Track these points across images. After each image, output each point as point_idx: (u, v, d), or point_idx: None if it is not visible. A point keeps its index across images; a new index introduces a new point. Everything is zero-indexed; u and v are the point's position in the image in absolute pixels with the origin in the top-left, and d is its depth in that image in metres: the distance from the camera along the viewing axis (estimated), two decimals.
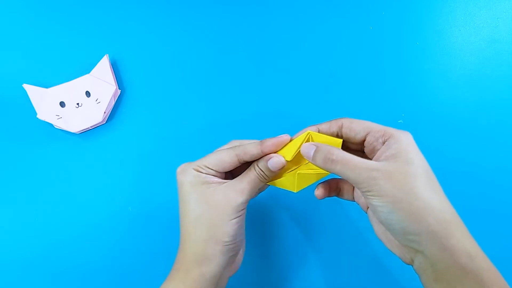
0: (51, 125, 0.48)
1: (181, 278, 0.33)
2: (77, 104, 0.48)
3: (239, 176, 0.35)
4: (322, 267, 0.46)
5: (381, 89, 0.49)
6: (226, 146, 0.36)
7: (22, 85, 0.47)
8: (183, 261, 0.34)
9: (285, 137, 0.35)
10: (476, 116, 0.48)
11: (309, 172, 0.36)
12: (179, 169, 0.35)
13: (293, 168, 0.36)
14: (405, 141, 0.31)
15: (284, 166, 0.35)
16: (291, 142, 0.35)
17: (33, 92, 0.47)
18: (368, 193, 0.30)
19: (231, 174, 0.37)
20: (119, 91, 0.49)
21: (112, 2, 0.51)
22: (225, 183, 0.34)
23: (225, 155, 0.34)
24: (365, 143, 0.34)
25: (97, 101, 0.48)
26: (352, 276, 0.46)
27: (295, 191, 0.37)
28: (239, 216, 0.34)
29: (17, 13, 0.51)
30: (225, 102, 0.49)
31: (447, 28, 0.51)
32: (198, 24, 0.51)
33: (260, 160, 0.35)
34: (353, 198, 0.38)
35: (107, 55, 0.48)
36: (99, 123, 0.48)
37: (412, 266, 0.32)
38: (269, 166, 0.34)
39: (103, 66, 0.48)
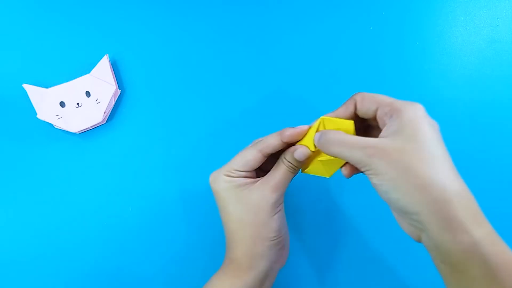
0: (51, 125, 0.48)
1: (234, 272, 0.35)
2: (77, 104, 0.48)
3: (270, 171, 0.36)
4: (322, 266, 0.46)
5: (381, 89, 0.49)
6: (249, 145, 0.37)
7: (22, 85, 0.47)
8: (234, 257, 0.36)
9: (304, 127, 0.35)
10: (476, 116, 0.48)
11: (329, 158, 0.35)
12: (211, 178, 0.37)
13: (316, 157, 0.36)
14: (409, 115, 0.29)
15: (309, 155, 0.35)
16: (309, 131, 0.35)
17: (33, 92, 0.47)
18: (366, 172, 0.30)
19: (261, 170, 0.38)
20: (119, 91, 0.49)
21: (112, 2, 0.51)
22: (258, 181, 0.35)
23: (249, 154, 0.35)
24: (377, 119, 0.32)
25: (97, 101, 0.48)
26: (352, 275, 0.46)
27: (327, 176, 0.37)
28: (279, 211, 0.35)
29: (17, 13, 0.50)
30: (225, 102, 0.49)
31: (447, 28, 0.51)
32: (198, 24, 0.51)
33: (286, 152, 0.36)
34: None
35: (107, 55, 0.48)
36: (99, 123, 0.48)
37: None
38: (296, 157, 0.35)
39: (103, 66, 0.48)
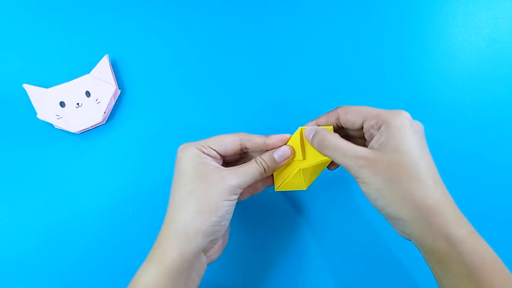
0: (51, 125, 0.48)
1: (160, 258, 0.33)
2: (77, 104, 0.48)
3: (238, 165, 0.36)
4: (325, 265, 0.46)
5: (381, 89, 0.49)
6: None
7: (22, 85, 0.47)
8: (164, 238, 0.34)
9: (286, 135, 0.37)
10: (476, 116, 0.48)
11: (312, 165, 0.37)
12: (180, 147, 0.36)
13: (297, 166, 0.38)
14: (396, 126, 0.32)
15: (290, 157, 0.36)
16: (291, 140, 0.37)
17: (33, 92, 0.47)
18: (356, 179, 0.33)
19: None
20: (119, 91, 0.49)
21: (112, 2, 0.51)
22: (223, 167, 0.35)
23: (229, 138, 0.36)
24: (364, 130, 0.35)
25: (97, 101, 0.48)
26: (355, 273, 0.46)
27: (304, 188, 0.38)
28: (231, 200, 0.34)
29: (17, 13, 0.51)
30: (226, 102, 0.49)
31: (447, 28, 0.51)
32: (198, 24, 0.51)
33: (264, 153, 0.36)
34: None
35: (107, 55, 0.48)
36: (99, 123, 0.48)
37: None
38: (276, 157, 0.36)
39: (103, 66, 0.48)
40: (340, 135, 0.36)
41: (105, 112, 0.48)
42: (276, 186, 0.40)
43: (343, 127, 0.37)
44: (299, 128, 0.37)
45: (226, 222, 0.35)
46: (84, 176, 0.48)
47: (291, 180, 0.38)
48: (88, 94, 0.48)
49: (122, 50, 0.50)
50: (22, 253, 0.46)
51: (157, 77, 0.50)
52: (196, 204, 0.33)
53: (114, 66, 0.50)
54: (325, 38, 0.50)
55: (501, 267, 0.29)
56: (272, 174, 0.40)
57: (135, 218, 0.47)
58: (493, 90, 0.49)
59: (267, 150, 0.37)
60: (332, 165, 0.39)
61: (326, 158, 0.36)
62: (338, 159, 0.33)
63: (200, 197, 0.33)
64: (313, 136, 0.36)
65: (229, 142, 0.36)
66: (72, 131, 0.47)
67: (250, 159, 0.37)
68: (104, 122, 0.49)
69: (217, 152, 0.36)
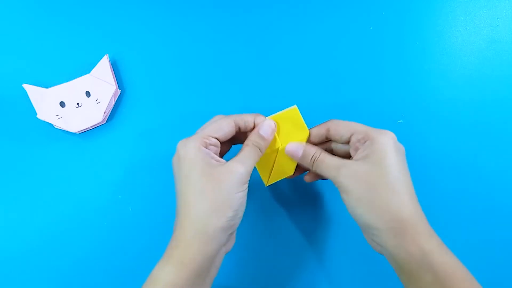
0: (51, 125, 0.48)
1: (180, 257, 0.32)
2: (77, 104, 0.48)
3: (236, 155, 0.36)
4: (324, 263, 0.46)
5: (381, 89, 0.49)
6: (217, 117, 0.38)
7: (22, 85, 0.47)
8: (182, 239, 0.33)
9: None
10: (476, 116, 0.48)
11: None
12: (180, 144, 0.35)
13: (274, 153, 0.40)
14: (381, 143, 0.34)
15: (274, 130, 0.38)
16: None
17: (33, 92, 0.47)
18: (339, 188, 0.35)
19: None
20: (119, 91, 0.49)
21: (112, 2, 0.51)
22: (225, 161, 0.35)
23: (224, 122, 0.37)
24: (350, 144, 0.37)
25: (97, 101, 0.48)
26: (355, 274, 0.46)
27: (291, 174, 0.41)
28: (242, 191, 0.34)
29: (17, 14, 0.51)
30: (226, 102, 0.49)
31: (447, 28, 0.51)
32: (198, 24, 0.51)
33: (251, 134, 0.37)
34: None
35: (107, 55, 0.48)
36: (99, 123, 0.48)
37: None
38: (262, 133, 0.37)
39: (103, 66, 0.48)
40: (326, 149, 0.39)
41: (105, 112, 0.48)
42: (265, 182, 0.41)
43: (330, 140, 0.39)
44: (294, 107, 0.39)
45: (241, 214, 0.35)
46: (84, 176, 0.48)
47: (277, 168, 0.40)
48: (88, 94, 0.48)
49: (122, 50, 0.50)
50: (22, 253, 0.46)
51: (157, 77, 0.50)
52: (209, 203, 0.33)
53: (114, 66, 0.50)
54: (325, 38, 0.50)
55: (469, 277, 0.31)
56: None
57: (135, 218, 0.47)
58: (493, 90, 0.49)
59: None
60: (310, 176, 0.41)
61: (300, 137, 0.39)
62: (324, 171, 0.36)
63: (212, 194, 0.33)
64: (303, 155, 0.38)
65: (225, 126, 0.36)
66: (72, 131, 0.47)
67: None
68: (104, 122, 0.49)
69: (217, 139, 0.36)
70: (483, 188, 0.47)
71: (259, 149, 0.37)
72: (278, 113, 0.39)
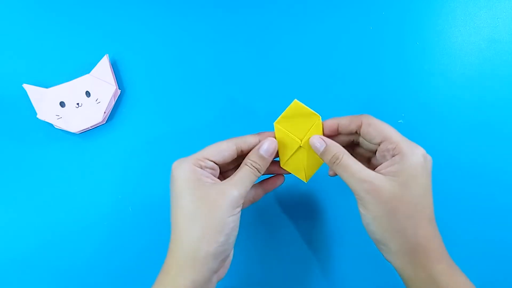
0: (51, 125, 0.48)
1: (170, 284, 0.32)
2: (77, 104, 0.48)
3: (232, 175, 0.35)
4: (325, 269, 0.46)
5: (381, 89, 0.49)
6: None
7: (22, 85, 0.47)
8: (173, 264, 0.32)
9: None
10: (476, 116, 0.48)
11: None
12: (175, 164, 0.34)
13: (296, 145, 0.38)
14: (411, 163, 0.32)
15: (275, 149, 0.36)
16: (280, 142, 0.38)
17: (33, 92, 0.47)
18: (357, 200, 0.34)
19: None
20: (119, 91, 0.49)
21: (112, 2, 0.51)
22: (220, 182, 0.34)
23: (224, 145, 0.35)
24: (378, 149, 0.35)
25: (97, 101, 0.48)
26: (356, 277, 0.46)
27: (305, 180, 0.39)
28: (235, 214, 0.33)
29: (17, 13, 0.51)
30: (226, 102, 0.49)
31: (447, 28, 0.51)
32: (198, 24, 0.51)
33: (250, 153, 0.36)
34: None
35: (107, 55, 0.48)
36: (99, 123, 0.48)
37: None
38: (263, 153, 0.35)
39: (103, 66, 0.48)
40: (350, 140, 0.37)
41: (105, 112, 0.48)
42: (303, 179, 0.39)
43: (357, 132, 0.37)
44: (294, 101, 0.37)
45: (233, 238, 0.33)
46: (84, 176, 0.48)
47: (309, 161, 0.38)
48: (88, 94, 0.48)
49: (122, 50, 0.50)
50: (22, 253, 0.46)
51: (157, 77, 0.50)
52: (200, 228, 0.32)
53: (114, 66, 0.50)
54: (325, 38, 0.50)
55: None
56: (272, 175, 0.40)
57: (135, 218, 0.47)
58: (493, 90, 0.49)
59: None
60: (333, 171, 0.39)
61: (314, 124, 0.37)
62: (346, 178, 0.34)
63: (203, 219, 0.32)
64: (324, 151, 0.35)
65: (224, 149, 0.35)
66: (72, 131, 0.47)
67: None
68: (104, 122, 0.49)
69: (214, 162, 0.34)
70: (483, 188, 0.47)
71: (257, 170, 0.35)
72: (282, 113, 0.38)
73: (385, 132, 0.34)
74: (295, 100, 0.37)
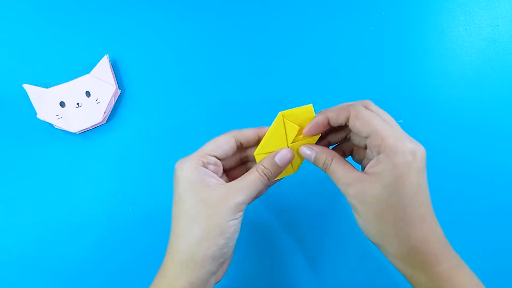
0: (51, 125, 0.48)
1: (168, 285, 0.31)
2: (77, 104, 0.48)
3: (240, 177, 0.34)
4: (322, 269, 0.46)
5: (381, 89, 0.49)
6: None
7: (22, 85, 0.47)
8: (171, 265, 0.32)
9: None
10: (476, 116, 0.48)
11: (298, 144, 0.36)
12: (177, 164, 0.34)
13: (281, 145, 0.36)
14: (395, 161, 0.30)
15: (290, 160, 0.35)
16: (272, 131, 0.36)
17: (33, 92, 0.47)
18: (349, 201, 0.33)
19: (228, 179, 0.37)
20: (119, 91, 0.49)
21: (112, 2, 0.51)
22: (224, 184, 0.33)
23: (222, 138, 0.35)
24: (367, 144, 0.33)
25: (97, 101, 0.48)
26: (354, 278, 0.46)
27: (293, 172, 0.37)
28: (237, 218, 0.32)
29: (17, 13, 0.51)
30: (226, 102, 0.49)
31: (448, 28, 0.51)
32: (198, 24, 0.51)
33: (264, 159, 0.34)
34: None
35: (107, 55, 0.48)
36: (99, 123, 0.48)
37: None
38: (278, 161, 0.34)
39: (103, 66, 0.48)
40: (343, 137, 0.36)
41: (105, 112, 0.48)
42: (256, 151, 0.36)
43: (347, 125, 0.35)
44: (280, 113, 0.35)
45: (233, 242, 0.33)
46: (84, 176, 0.48)
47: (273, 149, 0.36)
48: (88, 94, 0.48)
49: (122, 50, 0.50)
50: (22, 253, 0.46)
51: (157, 77, 0.50)
52: (200, 230, 0.31)
53: (114, 66, 0.50)
54: (325, 38, 0.50)
55: None
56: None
57: (135, 218, 0.47)
58: (493, 90, 0.49)
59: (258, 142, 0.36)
60: None
61: (311, 139, 0.36)
62: (335, 182, 0.33)
63: (203, 222, 0.31)
64: (314, 160, 0.35)
65: (224, 143, 0.34)
66: (72, 131, 0.47)
67: (251, 165, 0.36)
68: (104, 122, 0.49)
69: (216, 157, 0.34)
70: (483, 187, 0.47)
71: (267, 177, 0.34)
72: (293, 108, 0.36)
73: (373, 125, 0.31)
74: (311, 104, 0.36)
